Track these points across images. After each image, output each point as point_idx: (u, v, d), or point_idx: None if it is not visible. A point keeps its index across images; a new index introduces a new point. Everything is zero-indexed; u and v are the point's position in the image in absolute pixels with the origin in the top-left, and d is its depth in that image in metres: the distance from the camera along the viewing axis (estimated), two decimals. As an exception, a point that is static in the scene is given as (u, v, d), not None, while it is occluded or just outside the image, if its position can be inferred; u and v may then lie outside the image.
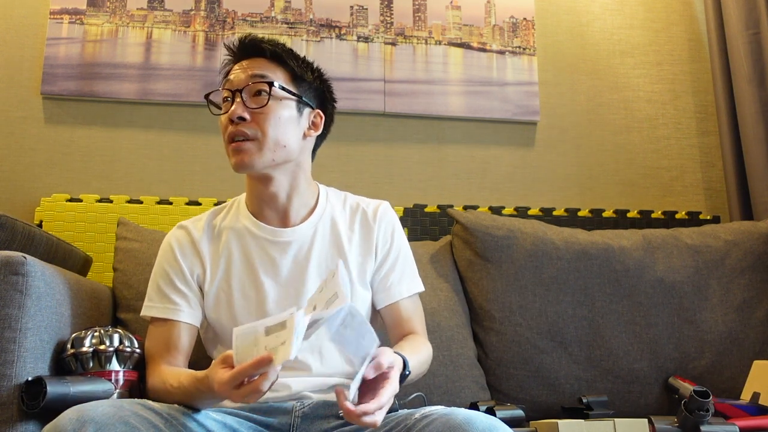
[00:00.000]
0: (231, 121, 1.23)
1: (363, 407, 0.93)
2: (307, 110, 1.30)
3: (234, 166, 1.24)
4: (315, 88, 1.33)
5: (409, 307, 1.35)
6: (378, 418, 0.95)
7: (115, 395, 1.16)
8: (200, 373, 1.07)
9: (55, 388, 1.04)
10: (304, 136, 1.30)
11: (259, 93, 1.24)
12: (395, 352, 1.09)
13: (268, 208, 1.31)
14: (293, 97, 1.27)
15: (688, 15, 2.45)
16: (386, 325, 1.36)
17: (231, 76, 1.28)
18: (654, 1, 2.44)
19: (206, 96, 1.32)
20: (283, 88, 1.25)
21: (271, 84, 1.24)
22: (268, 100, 1.23)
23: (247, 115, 1.23)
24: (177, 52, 2.08)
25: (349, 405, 0.92)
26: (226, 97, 1.27)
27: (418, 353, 1.25)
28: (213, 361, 1.24)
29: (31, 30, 2.03)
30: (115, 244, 1.69)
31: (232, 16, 2.14)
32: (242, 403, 1.07)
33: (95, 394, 1.10)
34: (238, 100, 1.24)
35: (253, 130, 1.23)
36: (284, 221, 1.31)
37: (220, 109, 1.29)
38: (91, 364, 1.16)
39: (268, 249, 1.29)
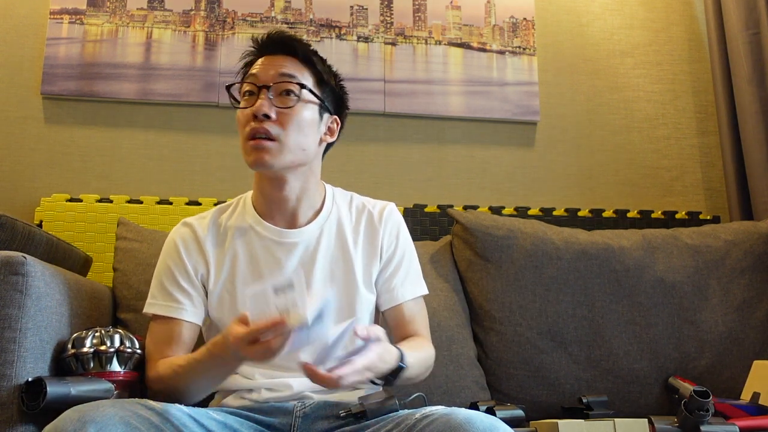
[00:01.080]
0: (254, 117, 1.21)
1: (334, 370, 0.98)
2: (326, 116, 1.30)
3: (251, 164, 1.22)
4: (336, 93, 1.32)
5: (412, 310, 1.35)
6: (341, 372, 0.98)
7: (115, 396, 1.15)
8: (216, 338, 1.09)
9: (55, 389, 1.04)
10: (321, 141, 1.30)
11: (287, 93, 1.22)
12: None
13: (277, 209, 1.30)
14: (317, 101, 1.26)
15: (688, 15, 2.45)
16: (389, 328, 1.35)
17: (256, 71, 1.24)
18: (654, 1, 2.44)
19: (228, 87, 1.28)
20: (311, 92, 1.25)
21: (302, 86, 1.23)
22: (297, 101, 1.22)
23: (272, 114, 1.20)
24: (177, 52, 2.08)
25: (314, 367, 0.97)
26: (249, 91, 1.25)
27: (418, 351, 1.26)
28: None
29: (31, 30, 2.03)
30: (115, 244, 1.69)
31: (232, 16, 2.14)
32: (257, 363, 1.09)
33: (96, 395, 1.10)
34: (263, 96, 1.21)
35: (277, 130, 1.20)
36: (291, 222, 1.30)
37: (238, 102, 1.27)
38: (91, 365, 1.16)
39: (273, 250, 1.28)
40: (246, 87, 1.25)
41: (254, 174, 1.30)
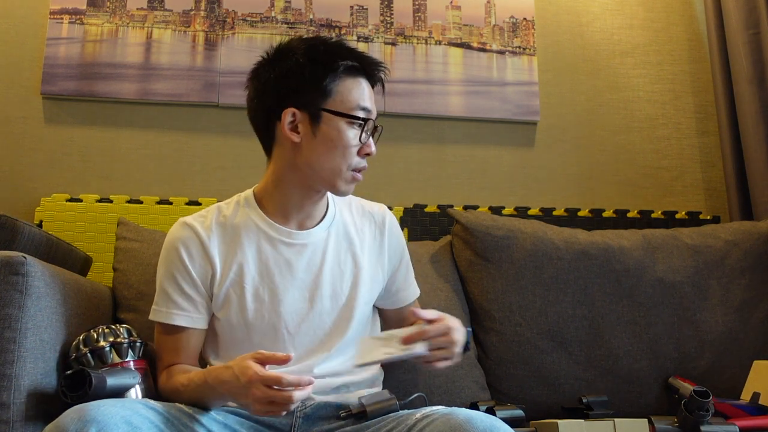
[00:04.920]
0: (366, 154, 1.26)
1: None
2: None
3: (344, 193, 1.27)
4: None
5: (411, 307, 1.40)
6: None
7: (141, 381, 1.19)
8: (218, 369, 1.10)
9: (97, 379, 1.07)
10: None
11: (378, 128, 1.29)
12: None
13: (296, 214, 1.29)
14: None
15: (688, 15, 2.45)
16: (386, 324, 1.41)
17: (370, 102, 1.26)
18: (654, 1, 2.44)
19: (365, 119, 1.24)
20: None
21: (381, 130, 1.30)
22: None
23: None
24: (177, 52, 2.08)
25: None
26: (365, 120, 1.24)
27: None
28: (211, 359, 1.26)
29: (31, 30, 2.03)
30: (115, 244, 1.69)
31: (232, 16, 2.14)
32: (251, 410, 1.06)
33: (126, 381, 1.15)
34: (374, 137, 1.27)
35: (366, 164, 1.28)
36: (301, 225, 1.30)
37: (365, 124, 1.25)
38: (110, 358, 1.19)
39: (283, 251, 1.27)
40: (365, 115, 1.25)
41: (276, 178, 1.28)
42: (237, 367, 1.04)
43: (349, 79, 1.24)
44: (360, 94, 1.24)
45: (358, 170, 1.26)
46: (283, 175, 1.27)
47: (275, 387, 1.00)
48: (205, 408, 1.13)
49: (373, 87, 1.29)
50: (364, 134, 1.23)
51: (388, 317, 1.43)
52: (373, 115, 1.26)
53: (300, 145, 1.23)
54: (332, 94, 1.22)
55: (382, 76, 1.30)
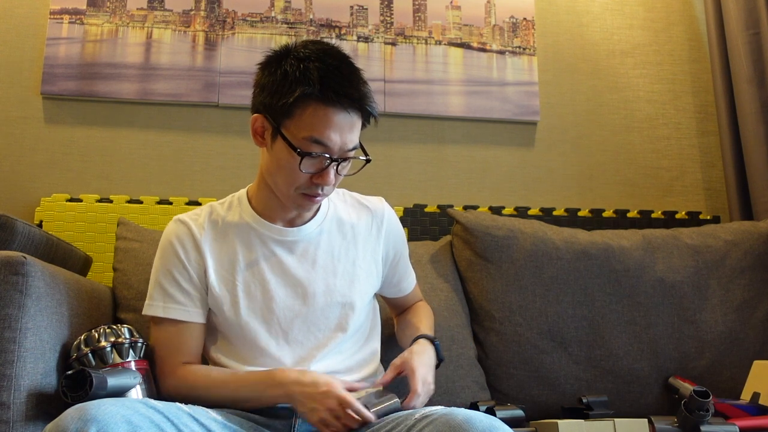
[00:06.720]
0: (317, 184, 1.18)
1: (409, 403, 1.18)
2: None
3: (299, 210, 1.26)
4: None
5: (411, 293, 1.52)
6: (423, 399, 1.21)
7: (142, 382, 1.19)
8: (286, 368, 1.19)
9: (98, 379, 1.07)
10: None
11: (347, 159, 1.21)
12: (421, 338, 1.34)
13: (281, 213, 1.29)
14: None
15: (688, 15, 2.45)
16: (387, 305, 1.52)
17: (329, 140, 1.15)
18: (654, 1, 2.44)
19: (302, 153, 1.14)
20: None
21: (367, 161, 1.25)
22: (357, 171, 1.27)
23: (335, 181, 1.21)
24: (177, 52, 2.08)
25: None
26: (317, 155, 1.16)
27: (426, 318, 1.47)
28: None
29: (31, 30, 2.03)
30: (115, 244, 1.69)
31: (232, 16, 2.14)
32: (307, 415, 1.14)
33: (127, 381, 1.15)
34: (333, 169, 1.18)
35: (329, 190, 1.22)
36: (292, 222, 1.31)
37: (310, 155, 1.16)
38: (111, 358, 1.19)
39: (274, 248, 1.28)
40: (315, 148, 1.16)
41: (259, 178, 1.29)
42: (321, 376, 1.14)
43: (314, 106, 1.15)
44: (319, 125, 1.14)
45: (310, 195, 1.20)
46: (262, 175, 1.28)
47: (347, 410, 1.10)
48: (199, 408, 1.13)
49: (363, 121, 1.21)
50: (305, 166, 1.16)
51: (394, 303, 1.52)
52: (334, 148, 1.16)
53: (264, 152, 1.25)
54: (293, 115, 1.15)
55: (370, 108, 1.19)
